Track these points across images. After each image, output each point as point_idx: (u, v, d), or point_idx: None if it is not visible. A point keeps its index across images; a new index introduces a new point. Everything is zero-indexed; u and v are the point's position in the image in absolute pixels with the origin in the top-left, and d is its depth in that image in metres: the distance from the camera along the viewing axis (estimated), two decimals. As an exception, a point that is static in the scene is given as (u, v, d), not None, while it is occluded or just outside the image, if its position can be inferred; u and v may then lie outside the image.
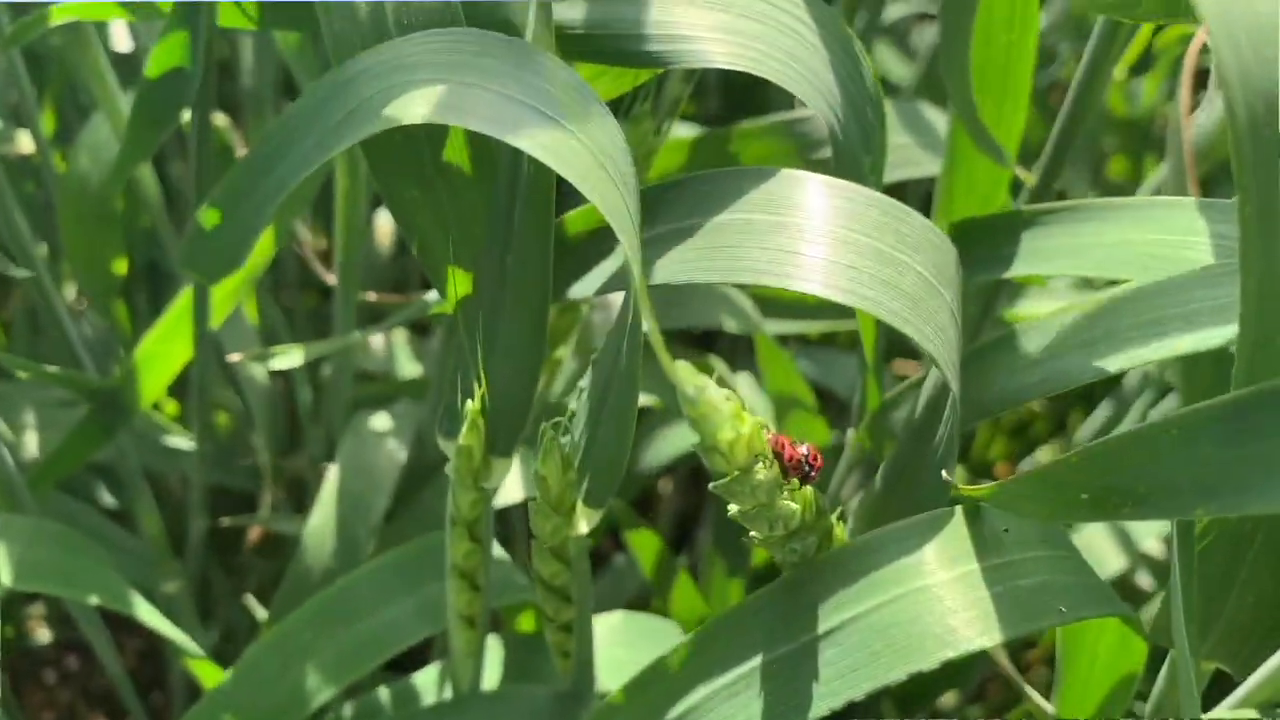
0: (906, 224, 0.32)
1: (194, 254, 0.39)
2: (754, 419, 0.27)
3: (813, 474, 0.31)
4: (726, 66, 0.33)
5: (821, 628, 0.31)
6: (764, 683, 0.32)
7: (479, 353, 0.35)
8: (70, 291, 0.71)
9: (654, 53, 0.33)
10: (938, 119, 0.55)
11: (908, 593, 0.30)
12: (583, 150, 0.29)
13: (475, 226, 0.36)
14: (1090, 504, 0.25)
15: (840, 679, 0.30)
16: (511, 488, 0.54)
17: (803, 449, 0.31)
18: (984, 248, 0.39)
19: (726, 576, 0.63)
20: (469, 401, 0.35)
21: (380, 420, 0.58)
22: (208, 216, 0.38)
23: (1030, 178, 0.45)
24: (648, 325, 0.24)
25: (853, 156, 0.35)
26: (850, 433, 0.48)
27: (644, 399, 0.58)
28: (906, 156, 0.52)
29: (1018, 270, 0.37)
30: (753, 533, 0.31)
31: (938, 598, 0.30)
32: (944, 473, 0.30)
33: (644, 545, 0.58)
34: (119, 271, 0.65)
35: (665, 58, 0.33)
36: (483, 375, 0.35)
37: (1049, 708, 0.42)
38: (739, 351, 0.70)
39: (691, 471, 0.77)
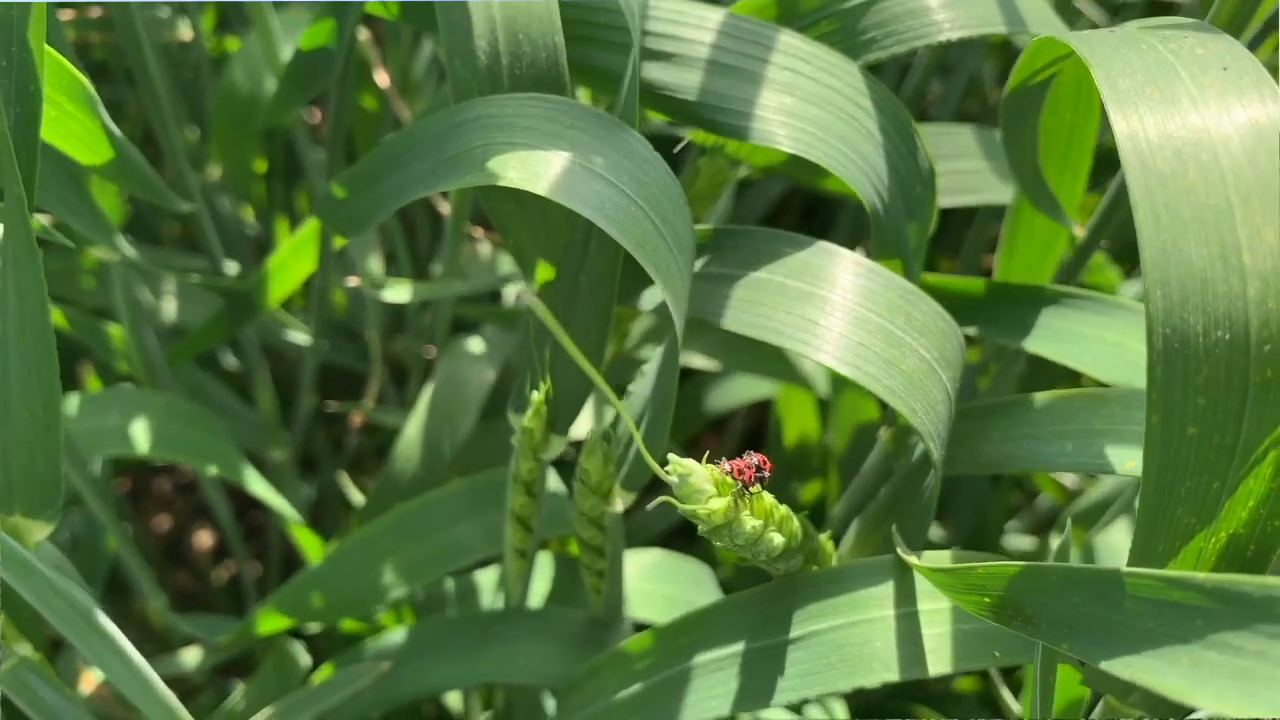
0: (919, 308, 0.37)
1: (326, 213, 0.45)
2: (729, 493, 0.32)
3: (765, 474, 0.34)
4: (785, 149, 0.37)
5: (792, 633, 0.37)
6: (742, 666, 0.38)
7: (548, 351, 0.41)
8: (214, 171, 0.79)
9: (726, 124, 0.38)
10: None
11: (866, 620, 0.36)
12: (644, 219, 0.34)
13: (559, 238, 0.41)
14: (991, 608, 0.30)
15: (800, 679, 0.36)
16: (579, 424, 0.60)
17: (754, 460, 0.34)
18: (1012, 311, 0.43)
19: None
20: (535, 392, 0.41)
21: (474, 344, 0.64)
22: (337, 190, 0.44)
23: (1081, 230, 0.48)
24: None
25: (895, 231, 0.39)
26: (883, 430, 0.53)
27: (704, 362, 0.63)
28: (981, 181, 0.55)
29: (1030, 345, 0.41)
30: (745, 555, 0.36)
31: (890, 628, 0.36)
32: (895, 533, 0.35)
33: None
34: (259, 170, 0.72)
35: (735, 131, 0.38)
36: (549, 369, 0.41)
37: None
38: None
39: (758, 405, 0.82)
